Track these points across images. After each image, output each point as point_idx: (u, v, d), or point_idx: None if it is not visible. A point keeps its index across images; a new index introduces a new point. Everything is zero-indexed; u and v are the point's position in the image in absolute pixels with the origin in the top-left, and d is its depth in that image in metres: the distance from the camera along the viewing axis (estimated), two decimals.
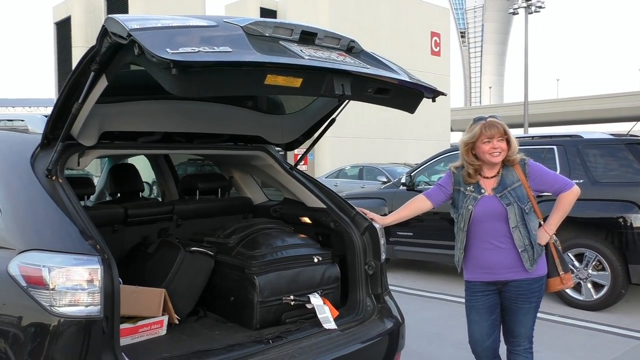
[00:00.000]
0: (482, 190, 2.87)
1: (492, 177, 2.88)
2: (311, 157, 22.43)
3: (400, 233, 6.99)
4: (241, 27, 2.18)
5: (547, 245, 2.90)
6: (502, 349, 2.99)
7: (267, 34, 2.24)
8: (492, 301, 2.92)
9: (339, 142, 23.38)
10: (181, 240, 3.24)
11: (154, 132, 3.07)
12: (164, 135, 3.11)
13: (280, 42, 2.26)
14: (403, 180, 7.15)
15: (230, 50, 1.97)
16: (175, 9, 20.16)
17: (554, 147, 5.99)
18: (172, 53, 1.80)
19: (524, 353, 2.94)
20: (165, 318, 2.81)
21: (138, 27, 1.91)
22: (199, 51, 1.88)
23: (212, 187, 3.92)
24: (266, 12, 26.87)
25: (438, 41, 29.35)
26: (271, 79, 2.13)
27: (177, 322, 2.90)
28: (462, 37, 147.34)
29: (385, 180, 12.39)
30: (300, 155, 3.60)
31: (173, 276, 2.95)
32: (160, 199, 4.89)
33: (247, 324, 2.86)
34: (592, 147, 5.74)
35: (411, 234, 6.92)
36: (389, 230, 6.89)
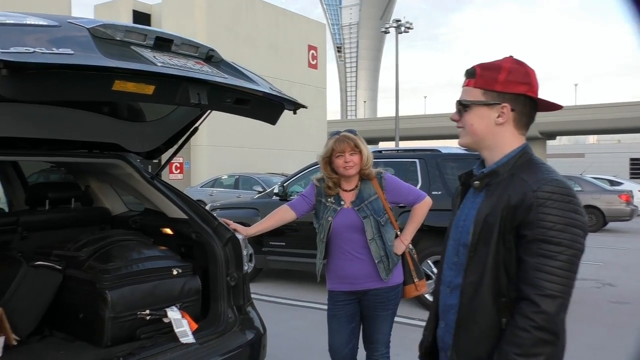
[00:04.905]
0: (342, 203, 2.96)
1: (350, 190, 2.98)
2: (187, 166, 21.86)
3: (272, 243, 7.00)
4: (87, 28, 2.07)
5: (403, 255, 3.05)
6: (362, 354, 3.09)
7: (117, 38, 2.15)
8: (352, 310, 3.01)
9: (217, 151, 23.08)
10: (25, 254, 2.99)
11: None
12: (3, 141, 2.85)
13: (132, 47, 2.18)
14: (276, 191, 7.19)
15: (72, 52, 1.86)
16: (38, 7, 18.72)
17: (417, 160, 6.39)
18: (2, 52, 1.67)
19: (381, 358, 3.06)
20: (1, 339, 2.56)
21: None
22: (34, 52, 1.75)
23: (64, 196, 3.66)
24: (139, 16, 25.90)
25: (315, 54, 30.14)
26: (120, 85, 2.04)
27: (16, 344, 2.66)
28: (338, 51, 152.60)
29: (261, 190, 12.41)
30: (162, 165, 3.49)
31: (12, 293, 2.71)
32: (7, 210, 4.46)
33: (97, 341, 2.70)
34: (449, 161, 6.21)
35: (284, 243, 6.96)
36: (261, 240, 6.89)
